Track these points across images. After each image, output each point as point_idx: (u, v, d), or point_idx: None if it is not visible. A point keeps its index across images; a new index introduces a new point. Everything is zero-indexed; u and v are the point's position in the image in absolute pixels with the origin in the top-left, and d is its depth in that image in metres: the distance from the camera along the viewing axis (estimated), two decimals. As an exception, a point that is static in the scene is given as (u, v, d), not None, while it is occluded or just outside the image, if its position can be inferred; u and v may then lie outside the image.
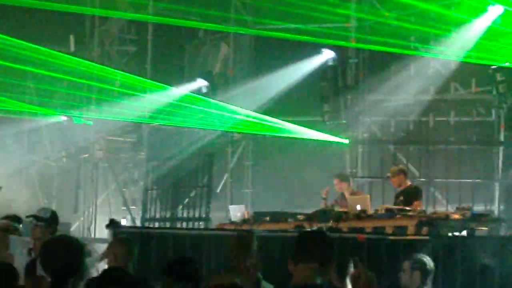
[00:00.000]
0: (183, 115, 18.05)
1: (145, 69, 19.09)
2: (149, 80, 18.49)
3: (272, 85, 17.52)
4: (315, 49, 16.86)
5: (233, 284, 3.99)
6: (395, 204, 12.06)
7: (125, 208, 19.47)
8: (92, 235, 18.92)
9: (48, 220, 8.41)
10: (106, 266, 9.83)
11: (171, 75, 18.88)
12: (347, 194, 12.96)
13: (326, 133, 17.15)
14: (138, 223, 17.91)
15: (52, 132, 21.63)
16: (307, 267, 4.73)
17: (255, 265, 6.61)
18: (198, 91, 17.87)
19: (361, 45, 17.06)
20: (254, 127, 17.74)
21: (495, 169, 15.93)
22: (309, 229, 5.87)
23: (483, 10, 14.84)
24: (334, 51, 16.65)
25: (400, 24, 16.78)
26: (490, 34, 14.74)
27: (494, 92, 15.59)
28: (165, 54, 19.03)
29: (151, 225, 16.41)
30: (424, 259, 6.98)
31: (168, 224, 16.74)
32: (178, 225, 16.51)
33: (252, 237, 6.77)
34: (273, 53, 17.65)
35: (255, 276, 6.59)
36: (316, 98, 16.96)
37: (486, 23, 15.06)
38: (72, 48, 20.65)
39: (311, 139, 17.41)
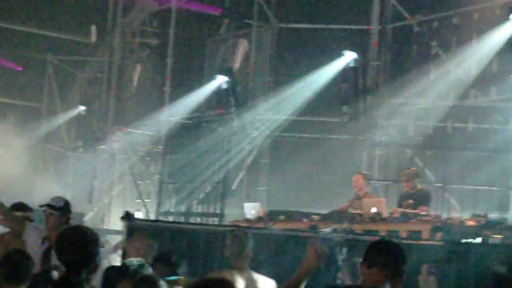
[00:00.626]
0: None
1: (166, 62, 19.13)
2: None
3: (295, 92, 17.55)
4: (337, 49, 16.84)
5: (220, 281, 3.95)
6: (400, 206, 12.06)
7: (139, 200, 19.52)
8: (105, 226, 18.99)
9: (62, 209, 8.39)
10: (118, 258, 9.89)
11: (191, 69, 18.93)
12: (361, 193, 12.97)
13: (344, 134, 17.15)
14: (152, 216, 17.97)
15: (69, 122, 21.78)
16: (381, 273, 4.92)
17: (249, 263, 6.67)
18: (218, 88, 17.88)
19: (383, 48, 17.09)
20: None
21: (511, 177, 15.89)
22: (387, 239, 6.03)
23: (507, 18, 14.79)
24: (356, 53, 16.63)
25: (422, 29, 16.77)
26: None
27: (513, 100, 15.56)
28: (186, 48, 19.06)
29: (166, 219, 16.44)
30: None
31: (182, 219, 16.78)
32: (193, 220, 16.56)
33: (247, 236, 6.80)
34: (293, 52, 17.66)
35: (250, 274, 6.62)
36: (336, 99, 16.95)
37: (508, 32, 15.00)
38: (94, 39, 20.74)
39: (329, 140, 17.43)
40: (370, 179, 13.72)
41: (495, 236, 11.06)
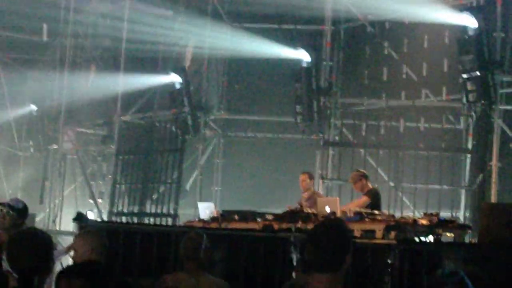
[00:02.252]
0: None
1: (118, 61, 19.00)
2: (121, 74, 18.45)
3: (244, 84, 17.57)
4: (290, 50, 16.89)
5: None
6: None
7: (92, 201, 19.38)
8: (57, 228, 18.81)
9: (19, 211, 8.37)
10: (70, 260, 9.79)
11: (144, 69, 18.82)
12: (308, 193, 13.03)
13: (297, 134, 17.22)
14: (105, 217, 17.84)
15: (20, 121, 21.52)
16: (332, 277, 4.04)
17: (205, 265, 6.64)
18: (171, 87, 17.82)
19: (335, 48, 17.19)
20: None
21: (462, 176, 16.09)
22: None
23: (455, 18, 14.94)
24: (309, 53, 16.69)
25: (375, 29, 16.90)
26: (462, 43, 14.84)
27: (464, 101, 15.74)
28: (139, 47, 18.94)
29: (118, 220, 16.34)
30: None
31: (135, 219, 16.69)
32: (146, 221, 16.47)
33: (201, 237, 6.78)
34: (247, 52, 17.66)
35: (205, 275, 6.61)
36: (289, 99, 17.01)
37: (456, 33, 15.17)
38: (45, 37, 20.53)
39: (282, 140, 17.49)
40: (313, 177, 13.77)
41: (447, 234, 11.19)
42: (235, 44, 17.62)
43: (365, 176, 12.70)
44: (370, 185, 12.66)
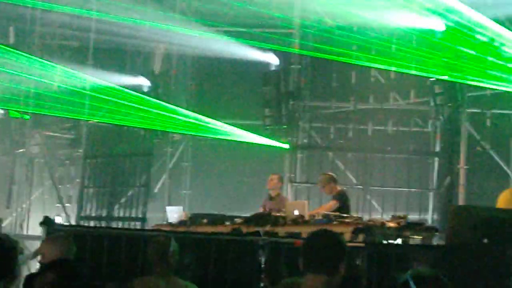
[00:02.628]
0: (123, 114, 17.93)
1: (86, 65, 18.90)
2: (89, 76, 18.32)
3: (214, 87, 17.56)
4: (258, 53, 16.91)
5: None
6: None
7: (59, 205, 19.23)
8: (24, 232, 18.65)
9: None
10: (38, 264, 9.71)
11: (112, 71, 18.72)
12: (273, 193, 12.99)
13: (266, 137, 17.23)
14: (72, 221, 17.72)
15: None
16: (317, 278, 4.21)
17: (173, 268, 6.64)
18: (139, 89, 17.77)
19: (304, 52, 17.20)
20: (193, 128, 17.73)
21: (430, 179, 16.19)
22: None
23: (426, 23, 15.05)
24: (277, 57, 16.72)
25: (343, 32, 16.94)
26: (430, 47, 14.94)
27: (432, 104, 15.84)
28: (107, 51, 18.85)
29: (86, 224, 16.25)
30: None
31: (103, 223, 16.60)
32: (114, 225, 16.39)
33: (169, 241, 6.78)
34: (216, 55, 17.65)
35: (173, 279, 6.60)
36: (258, 102, 17.02)
37: (426, 36, 15.27)
38: (12, 40, 20.35)
39: (251, 143, 17.48)
40: (283, 180, 13.74)
41: (415, 237, 11.24)
42: (204, 47, 17.60)
43: (333, 179, 12.70)
44: (338, 188, 12.66)
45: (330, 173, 13.21)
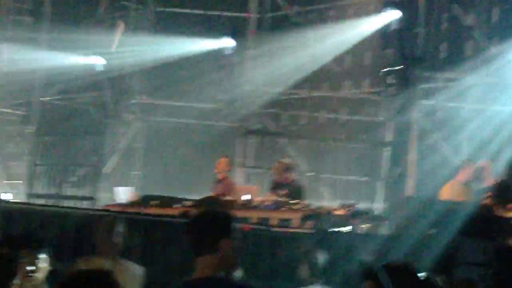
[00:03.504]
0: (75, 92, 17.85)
1: (40, 41, 18.70)
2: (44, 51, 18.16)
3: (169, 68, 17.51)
4: (215, 36, 16.89)
5: (97, 272, 3.87)
6: (273, 193, 12.11)
7: (9, 182, 19.07)
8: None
9: None
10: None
11: (66, 50, 18.56)
12: (220, 176, 12.95)
13: (219, 121, 17.24)
14: (22, 199, 17.58)
15: None
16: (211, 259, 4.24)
17: (120, 249, 6.63)
18: (94, 69, 17.66)
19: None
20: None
21: (380, 168, 16.32)
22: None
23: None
24: (234, 40, 16.72)
25: (300, 19, 16.99)
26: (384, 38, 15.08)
27: (384, 94, 15.95)
28: (62, 28, 18.67)
29: (36, 202, 16.12)
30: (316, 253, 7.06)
31: (53, 202, 16.50)
32: (64, 203, 16.30)
33: (117, 221, 6.76)
34: (171, 36, 17.59)
35: (120, 261, 6.59)
36: (212, 85, 17.00)
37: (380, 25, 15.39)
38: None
39: (204, 126, 17.49)
40: (232, 164, 13.60)
41: (363, 225, 11.36)
42: (159, 28, 17.57)
43: (289, 168, 12.68)
44: (294, 176, 12.64)
45: (287, 161, 13.16)
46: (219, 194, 12.18)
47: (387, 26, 14.87)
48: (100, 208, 13.47)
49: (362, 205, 13.92)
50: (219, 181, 12.94)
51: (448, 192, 11.23)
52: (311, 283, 6.91)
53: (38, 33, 18.88)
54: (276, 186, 12.47)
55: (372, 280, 4.51)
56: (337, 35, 16.47)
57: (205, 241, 4.28)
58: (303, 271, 6.98)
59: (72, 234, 9.70)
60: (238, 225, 4.50)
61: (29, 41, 19.01)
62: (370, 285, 4.64)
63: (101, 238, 6.64)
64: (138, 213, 11.09)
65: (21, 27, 19.95)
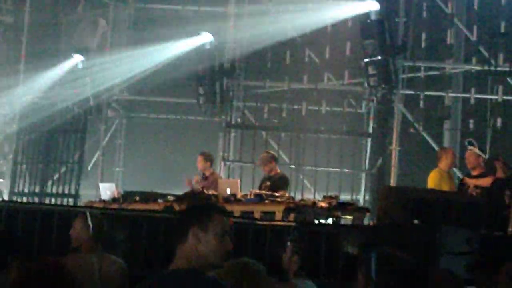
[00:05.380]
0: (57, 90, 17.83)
1: (20, 41, 18.64)
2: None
3: (147, 63, 17.49)
4: (194, 31, 16.87)
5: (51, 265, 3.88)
6: (260, 188, 12.21)
7: (-8, 180, 19.02)
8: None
9: None
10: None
11: (47, 48, 18.50)
12: (207, 172, 13.03)
13: (200, 115, 17.24)
14: (5, 197, 17.54)
15: None
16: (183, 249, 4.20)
17: (102, 244, 6.68)
18: (74, 67, 17.64)
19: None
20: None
21: (363, 160, 16.38)
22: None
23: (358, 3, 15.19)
24: (212, 34, 16.70)
25: (279, 13, 16.96)
26: (364, 28, 15.09)
27: (366, 85, 16.00)
28: (42, 26, 18.61)
29: (19, 200, 16.12)
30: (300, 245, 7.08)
31: (36, 199, 16.49)
32: (47, 201, 16.29)
33: (99, 217, 6.84)
34: (152, 33, 17.56)
35: (103, 256, 6.63)
36: (192, 80, 17.00)
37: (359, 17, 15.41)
38: None
39: (185, 121, 17.49)
40: (211, 158, 13.56)
41: (346, 217, 11.41)
42: (139, 24, 17.54)
43: (274, 159, 12.79)
44: (278, 169, 12.72)
45: (271, 152, 13.31)
46: (203, 188, 12.23)
47: (367, 16, 14.88)
48: (83, 204, 13.48)
49: (345, 197, 14.00)
50: (206, 178, 12.97)
51: (433, 181, 11.31)
52: (296, 275, 6.94)
53: (19, 31, 18.83)
54: (263, 179, 12.58)
55: (360, 270, 4.51)
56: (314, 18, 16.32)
57: (177, 230, 4.26)
58: (287, 263, 7.00)
59: (56, 230, 9.70)
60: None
61: (10, 40, 18.97)
62: (358, 276, 4.63)
63: (85, 234, 6.68)
64: (122, 209, 11.12)
65: (1, 27, 19.88)
